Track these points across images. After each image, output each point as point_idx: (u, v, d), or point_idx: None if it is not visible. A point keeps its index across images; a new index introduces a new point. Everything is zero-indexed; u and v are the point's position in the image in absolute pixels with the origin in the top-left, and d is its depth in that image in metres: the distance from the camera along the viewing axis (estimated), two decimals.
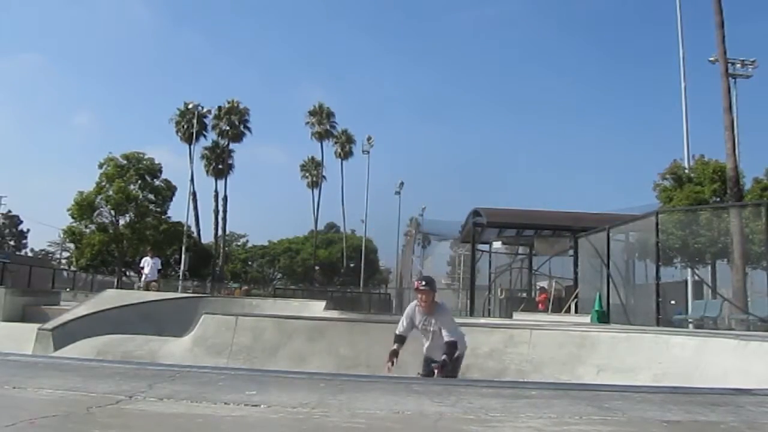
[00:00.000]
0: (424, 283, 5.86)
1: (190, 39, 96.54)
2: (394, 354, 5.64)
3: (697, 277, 17.59)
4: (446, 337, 5.59)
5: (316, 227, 58.76)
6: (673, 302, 16.52)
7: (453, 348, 5.58)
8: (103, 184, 40.27)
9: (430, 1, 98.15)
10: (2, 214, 59.27)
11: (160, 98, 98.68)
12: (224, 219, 53.78)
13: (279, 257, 63.38)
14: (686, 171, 22.82)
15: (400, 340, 5.80)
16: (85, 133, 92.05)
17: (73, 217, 40.07)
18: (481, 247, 26.46)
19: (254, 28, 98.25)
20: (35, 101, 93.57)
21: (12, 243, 62.46)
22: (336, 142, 58.67)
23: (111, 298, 12.50)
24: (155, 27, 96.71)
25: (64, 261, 55.06)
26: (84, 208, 39.42)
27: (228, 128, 53.24)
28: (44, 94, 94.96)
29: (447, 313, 5.97)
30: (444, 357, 5.52)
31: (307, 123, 57.85)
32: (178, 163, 65.98)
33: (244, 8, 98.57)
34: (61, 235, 49.10)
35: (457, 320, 6.49)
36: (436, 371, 5.55)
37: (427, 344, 5.88)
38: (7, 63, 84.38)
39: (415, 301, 5.92)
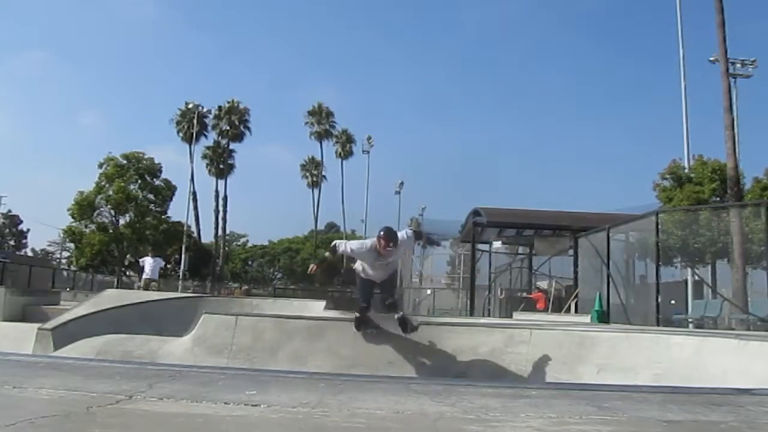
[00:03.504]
0: (391, 244, 5.99)
1: (195, 38, 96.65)
2: (324, 262, 7.01)
3: (697, 277, 17.59)
4: (394, 265, 6.30)
5: (316, 227, 58.83)
6: (673, 302, 16.53)
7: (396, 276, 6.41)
8: (103, 183, 40.28)
9: (430, 1, 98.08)
10: (2, 213, 59.28)
11: (166, 97, 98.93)
12: (224, 219, 53.88)
13: (279, 257, 63.41)
14: (686, 171, 22.82)
15: (337, 254, 6.37)
16: (89, 133, 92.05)
17: (73, 217, 40.10)
18: (481, 246, 26.45)
19: (254, 26, 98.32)
20: (39, 100, 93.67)
21: (12, 243, 62.44)
22: (336, 142, 58.73)
23: (111, 298, 12.47)
24: (164, 25, 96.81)
25: (64, 261, 55.08)
26: (84, 207, 39.44)
27: (228, 128, 53.29)
28: (49, 93, 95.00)
29: (405, 244, 6.41)
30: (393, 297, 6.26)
31: (307, 123, 57.95)
32: (183, 162, 65.91)
33: (243, 6, 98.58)
34: (61, 235, 49.18)
35: (457, 320, 6.56)
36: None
37: (376, 272, 6.34)
38: (12, 61, 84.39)
39: (373, 242, 6.09)
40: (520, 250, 28.00)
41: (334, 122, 58.53)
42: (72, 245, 45.18)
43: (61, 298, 15.30)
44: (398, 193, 55.31)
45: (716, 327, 12.76)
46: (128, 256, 32.98)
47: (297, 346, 7.60)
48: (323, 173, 58.74)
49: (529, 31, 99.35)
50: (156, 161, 42.87)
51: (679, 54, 25.60)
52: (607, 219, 17.79)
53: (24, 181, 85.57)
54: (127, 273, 43.66)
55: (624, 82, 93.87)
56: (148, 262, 20.66)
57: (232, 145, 54.21)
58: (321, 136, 57.71)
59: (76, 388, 2.56)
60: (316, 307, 13.92)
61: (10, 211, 60.22)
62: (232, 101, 53.93)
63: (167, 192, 42.98)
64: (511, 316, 17.49)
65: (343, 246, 6.28)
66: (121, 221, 41.19)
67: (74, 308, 11.02)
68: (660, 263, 14.23)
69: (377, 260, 6.05)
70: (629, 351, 6.81)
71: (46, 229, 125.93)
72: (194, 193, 51.02)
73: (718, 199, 20.83)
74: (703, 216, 16.77)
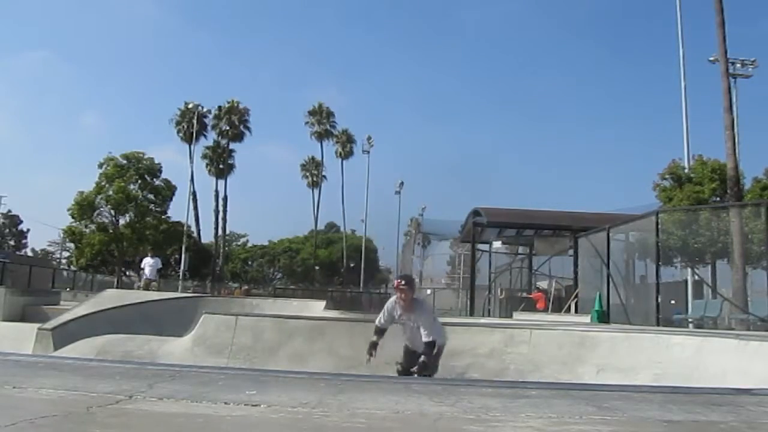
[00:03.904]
0: (403, 282, 6.10)
1: (195, 38, 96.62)
2: (374, 346, 6.06)
3: (697, 277, 17.58)
4: (425, 337, 5.80)
5: (316, 227, 58.79)
6: (673, 302, 16.53)
7: (431, 348, 5.79)
8: (103, 184, 40.25)
9: (430, 1, 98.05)
10: (2, 213, 59.28)
11: (166, 97, 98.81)
12: (224, 219, 53.86)
13: (279, 257, 63.37)
14: (686, 171, 22.82)
15: (380, 332, 6.16)
16: (89, 133, 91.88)
17: (73, 217, 40.05)
18: (481, 246, 26.46)
19: (255, 26, 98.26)
20: (39, 100, 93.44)
21: (12, 243, 62.43)
22: (336, 142, 58.71)
23: (111, 298, 12.50)
24: (164, 25, 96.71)
25: (64, 261, 55.06)
26: (84, 207, 39.41)
27: (228, 128, 53.27)
28: (49, 93, 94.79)
29: (426, 310, 6.26)
30: (423, 359, 5.72)
31: (307, 123, 57.93)
32: (183, 162, 65.75)
33: (244, 6, 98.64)
34: (61, 235, 49.17)
35: (457, 320, 6.56)
36: (416, 373, 5.72)
37: (407, 335, 6.15)
38: (12, 61, 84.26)
39: (395, 297, 6.18)
40: (520, 250, 28.00)
41: (335, 122, 58.58)
42: (72, 245, 45.13)
43: (61, 298, 15.32)
44: (398, 193, 55.35)
45: (716, 327, 12.76)
46: (134, 261, 32.87)
47: (297, 346, 7.60)
48: (323, 173, 58.80)
49: (529, 32, 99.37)
50: (156, 161, 42.83)
51: (679, 54, 25.61)
52: (607, 219, 17.80)
53: (24, 181, 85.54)
54: (127, 273, 43.64)
55: (624, 82, 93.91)
56: (148, 263, 20.72)
57: (232, 145, 54.23)
58: (321, 136, 57.71)
59: (76, 388, 2.56)
60: (316, 307, 13.95)
61: (10, 211, 60.28)
62: (232, 101, 53.91)
63: (167, 192, 42.93)
64: (511, 316, 17.49)
65: (379, 316, 6.35)
66: (121, 221, 41.13)
67: (74, 308, 11.04)
68: (660, 263, 14.23)
69: (401, 316, 6.11)
70: (629, 351, 6.81)
71: (46, 229, 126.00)
72: (194, 193, 51.08)
73: (718, 199, 20.82)
74: (703, 216, 16.76)
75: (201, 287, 42.63)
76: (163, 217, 42.55)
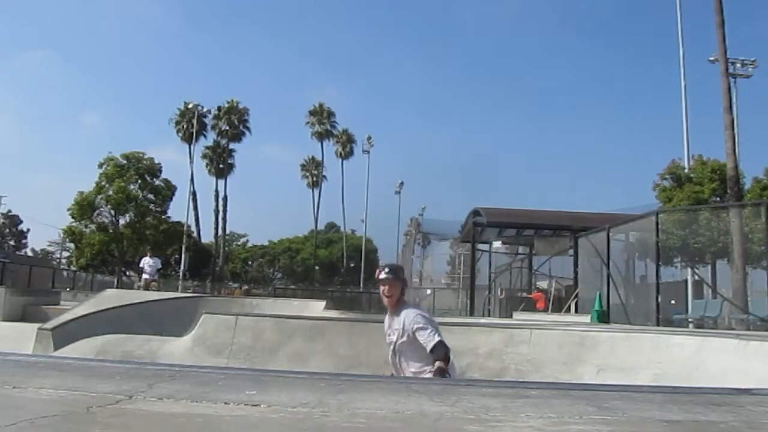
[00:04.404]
0: (387, 270, 4.47)
1: (195, 38, 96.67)
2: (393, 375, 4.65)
3: (697, 277, 17.59)
4: (431, 339, 4.24)
5: (316, 227, 58.83)
6: (673, 302, 16.53)
7: (443, 348, 4.25)
8: (103, 183, 40.28)
9: (430, 0, 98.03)
10: (2, 213, 59.29)
11: (166, 97, 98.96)
12: (224, 219, 53.94)
13: (279, 257, 63.37)
14: (685, 171, 22.82)
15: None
16: (89, 133, 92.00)
17: (73, 217, 40.09)
18: (481, 246, 26.46)
19: (255, 26, 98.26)
20: (39, 100, 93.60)
21: (12, 243, 62.45)
22: (337, 142, 58.74)
23: (111, 298, 12.50)
24: (164, 25, 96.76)
25: (64, 261, 55.07)
26: (84, 207, 39.45)
27: (227, 128, 53.30)
28: (49, 93, 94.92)
29: (421, 308, 4.72)
30: (439, 364, 4.19)
31: (308, 123, 57.96)
32: (183, 162, 65.95)
33: (244, 6, 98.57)
34: (61, 235, 49.18)
35: (457, 320, 6.48)
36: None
37: (393, 360, 4.56)
38: (13, 61, 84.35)
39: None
40: (520, 250, 28.01)
41: (335, 122, 58.65)
42: (72, 245, 45.17)
43: (61, 298, 15.31)
44: (398, 193, 55.46)
45: (716, 327, 12.76)
46: (134, 261, 32.94)
47: (297, 346, 7.60)
48: (323, 173, 58.82)
49: (528, 31, 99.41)
50: (156, 161, 42.91)
51: (679, 54, 25.69)
52: (607, 219, 17.81)
53: (24, 181, 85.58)
54: (127, 273, 43.66)
55: (624, 82, 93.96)
56: (147, 263, 20.72)
57: (231, 145, 54.34)
58: (322, 136, 57.76)
59: (76, 388, 2.56)
60: (316, 307, 13.94)
61: (10, 211, 60.33)
62: (232, 101, 53.98)
63: (167, 192, 42.97)
64: (511, 316, 17.49)
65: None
66: (121, 221, 41.18)
67: (74, 308, 11.03)
68: (660, 263, 14.24)
69: (390, 325, 4.56)
70: (629, 351, 6.80)
71: (46, 229, 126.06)
72: (194, 193, 51.20)
73: (718, 199, 20.84)
74: (703, 216, 16.77)
75: (201, 287, 42.65)
76: (163, 217, 42.60)
